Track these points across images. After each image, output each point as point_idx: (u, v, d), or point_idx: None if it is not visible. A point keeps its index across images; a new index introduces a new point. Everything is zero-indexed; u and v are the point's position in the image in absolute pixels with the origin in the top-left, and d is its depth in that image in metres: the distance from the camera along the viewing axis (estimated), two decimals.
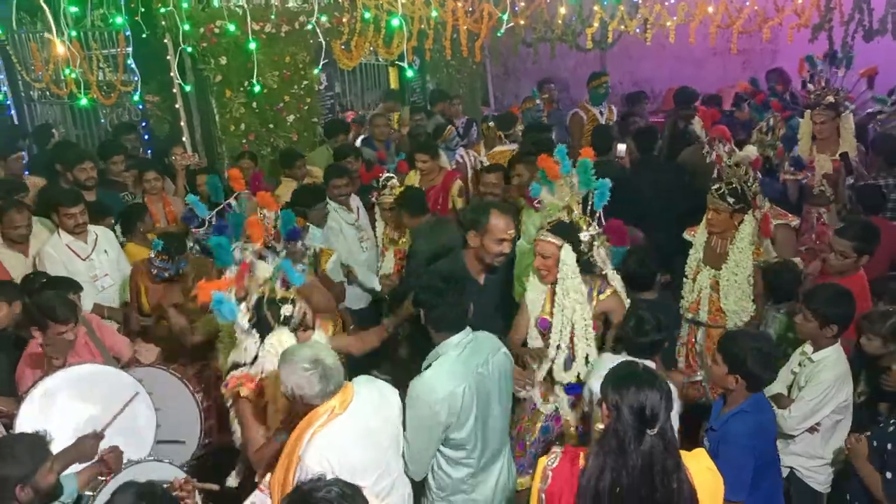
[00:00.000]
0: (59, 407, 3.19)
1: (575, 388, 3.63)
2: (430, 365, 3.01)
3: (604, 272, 3.64)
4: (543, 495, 2.46)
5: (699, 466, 2.46)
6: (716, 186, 4.32)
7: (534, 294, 3.75)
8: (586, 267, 3.60)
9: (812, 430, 3.49)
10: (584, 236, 3.56)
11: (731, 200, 4.22)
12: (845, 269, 4.00)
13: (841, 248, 3.97)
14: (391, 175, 5.27)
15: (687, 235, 4.58)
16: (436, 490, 3.14)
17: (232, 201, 3.80)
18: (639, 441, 2.32)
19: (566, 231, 3.57)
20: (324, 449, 2.67)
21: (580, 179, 3.59)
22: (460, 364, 2.98)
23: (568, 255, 3.52)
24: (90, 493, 2.93)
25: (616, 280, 3.69)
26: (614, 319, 3.62)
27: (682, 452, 2.46)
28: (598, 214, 3.61)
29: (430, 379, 2.93)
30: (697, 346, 4.43)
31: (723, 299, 4.30)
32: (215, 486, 3.04)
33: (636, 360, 2.61)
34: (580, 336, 3.56)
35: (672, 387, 2.56)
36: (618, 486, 2.32)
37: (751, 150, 4.54)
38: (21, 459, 2.49)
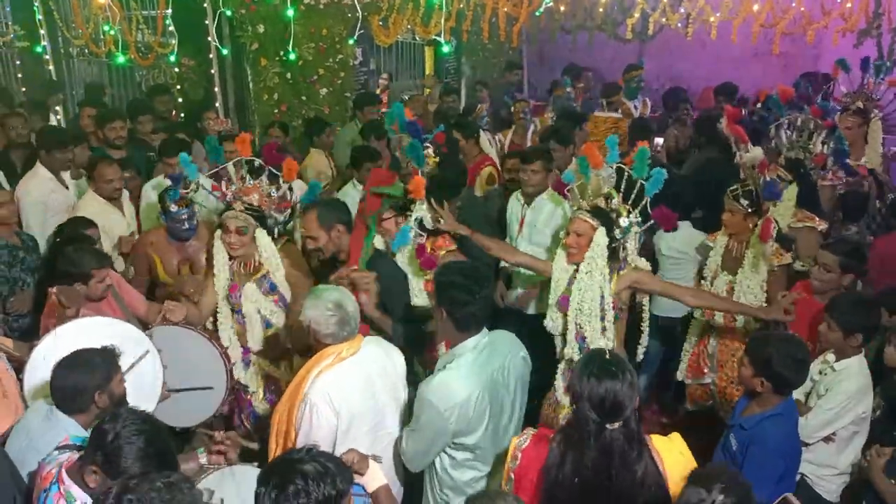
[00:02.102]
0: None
1: None
2: (442, 367, 2.86)
3: (626, 255, 3.76)
4: (513, 475, 2.48)
5: (671, 450, 2.45)
6: (732, 187, 4.27)
7: (560, 273, 3.83)
8: (611, 253, 3.68)
9: (828, 439, 3.44)
10: (623, 222, 3.66)
11: (744, 203, 4.16)
12: (829, 288, 3.91)
13: (825, 262, 3.90)
14: (427, 145, 5.27)
15: (708, 241, 4.53)
16: (438, 490, 3.02)
17: (230, 167, 3.82)
18: (598, 434, 2.28)
19: (604, 216, 3.68)
20: (328, 387, 2.80)
21: (635, 167, 3.65)
22: (476, 369, 2.81)
23: (601, 237, 3.63)
24: None
25: (641, 262, 3.79)
26: (644, 287, 3.80)
27: (656, 437, 2.46)
28: (645, 201, 3.69)
29: (444, 383, 2.77)
30: (709, 348, 4.40)
31: None
32: (255, 445, 3.06)
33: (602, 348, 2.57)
34: (594, 316, 3.65)
35: None
36: (577, 476, 2.32)
37: (758, 153, 4.46)
38: (98, 368, 2.70)
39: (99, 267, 3.61)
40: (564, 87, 8.40)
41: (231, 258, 3.82)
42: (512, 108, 7.61)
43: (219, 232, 3.81)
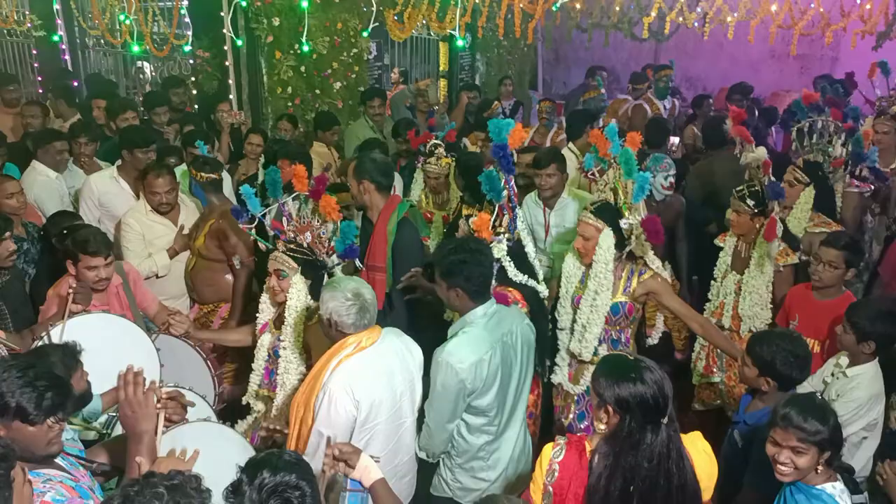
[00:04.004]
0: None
1: None
2: (455, 334, 3.00)
3: (644, 258, 3.70)
4: (551, 489, 2.39)
5: (696, 450, 2.43)
6: (738, 188, 4.24)
7: (570, 270, 3.85)
8: (624, 250, 3.65)
9: None
10: (623, 223, 3.60)
11: (750, 203, 4.13)
12: (833, 283, 3.89)
13: (831, 258, 3.85)
14: (438, 143, 5.23)
15: (718, 241, 4.50)
16: (454, 456, 3.13)
17: (289, 201, 3.60)
18: (655, 433, 2.27)
19: (610, 214, 3.62)
20: (348, 377, 2.82)
21: (623, 169, 3.60)
22: (487, 332, 2.99)
23: (606, 239, 3.58)
24: (114, 414, 3.02)
25: (656, 263, 3.72)
26: (659, 300, 3.73)
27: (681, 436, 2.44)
28: (637, 206, 3.62)
29: (458, 346, 2.93)
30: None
31: (740, 303, 4.24)
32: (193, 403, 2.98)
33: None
34: (593, 317, 3.66)
35: None
36: (631, 485, 2.27)
37: (761, 152, 4.42)
38: (57, 366, 2.61)
39: (88, 252, 3.49)
40: (599, 87, 8.29)
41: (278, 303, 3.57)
42: (537, 107, 7.56)
43: None
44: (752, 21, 6.56)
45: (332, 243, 3.55)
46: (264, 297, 3.63)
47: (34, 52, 8.76)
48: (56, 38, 8.25)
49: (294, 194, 3.64)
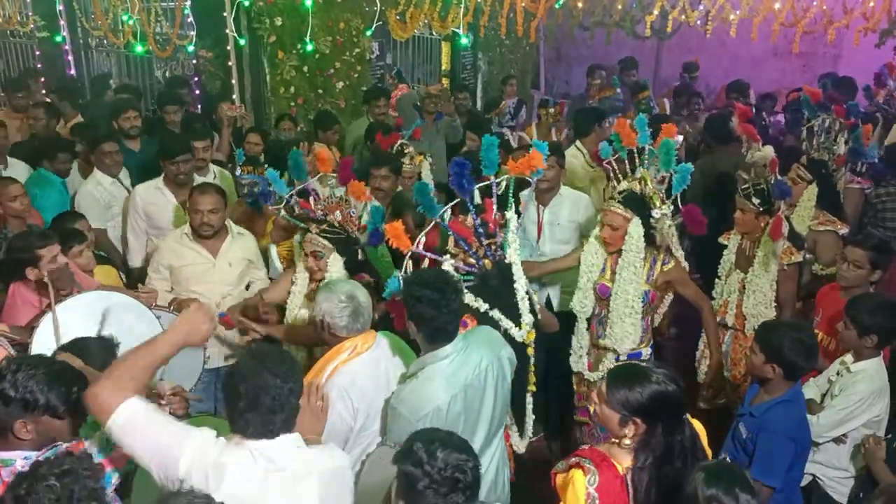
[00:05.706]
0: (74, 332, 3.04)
1: (636, 355, 3.74)
2: (414, 374, 2.76)
3: (665, 245, 3.72)
4: None
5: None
6: (743, 186, 4.23)
7: (593, 258, 3.85)
8: (649, 240, 3.67)
9: (839, 441, 3.42)
10: (655, 213, 3.63)
11: (756, 201, 4.12)
12: (858, 283, 3.88)
13: (855, 258, 3.85)
14: (406, 142, 5.18)
15: (722, 240, 4.50)
16: None
17: (316, 183, 3.67)
18: (682, 431, 2.30)
19: (637, 203, 3.64)
20: (346, 383, 2.78)
21: (661, 160, 3.63)
22: (447, 378, 2.70)
23: (636, 229, 3.61)
24: None
25: (680, 253, 3.76)
26: (680, 289, 3.76)
27: None
28: (674, 197, 3.66)
29: (413, 393, 2.69)
30: (724, 346, 4.37)
31: (744, 301, 4.24)
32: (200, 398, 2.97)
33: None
34: (629, 308, 3.68)
35: None
36: (673, 487, 2.27)
37: (768, 151, 4.43)
38: (95, 359, 2.63)
39: (43, 245, 3.39)
40: (615, 87, 8.22)
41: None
42: (551, 110, 7.50)
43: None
44: (755, 19, 6.55)
45: (363, 222, 3.66)
46: (300, 273, 3.66)
47: (37, 52, 8.81)
48: (59, 38, 8.27)
49: (319, 175, 3.73)
